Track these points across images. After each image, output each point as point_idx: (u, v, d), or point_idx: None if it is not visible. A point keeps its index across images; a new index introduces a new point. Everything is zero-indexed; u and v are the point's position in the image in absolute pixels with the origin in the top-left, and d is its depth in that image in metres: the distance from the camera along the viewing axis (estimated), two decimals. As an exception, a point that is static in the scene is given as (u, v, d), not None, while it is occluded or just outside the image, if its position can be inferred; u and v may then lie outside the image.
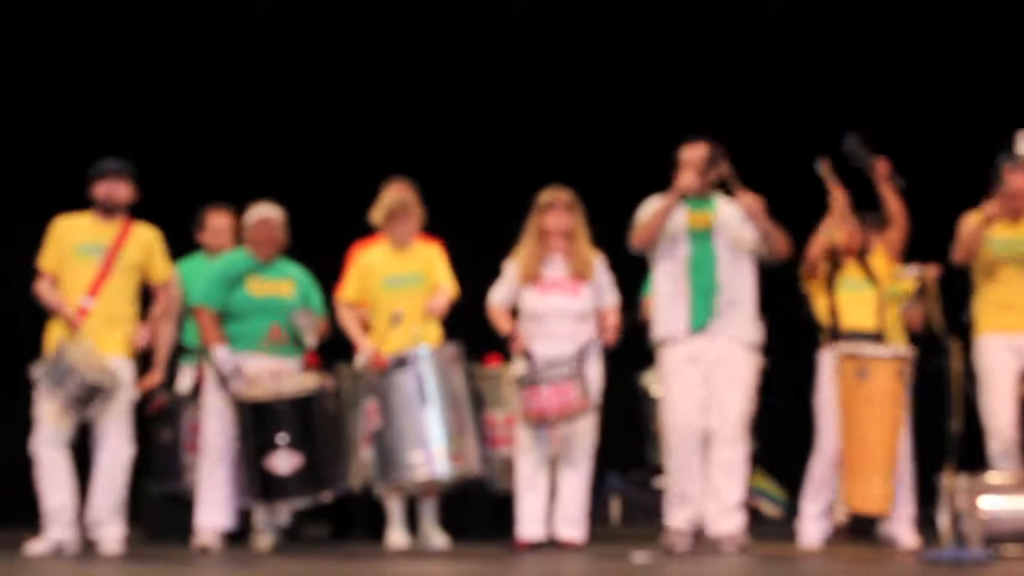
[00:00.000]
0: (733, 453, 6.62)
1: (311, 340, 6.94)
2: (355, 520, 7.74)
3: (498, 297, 6.94)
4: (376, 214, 7.11)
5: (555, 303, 6.83)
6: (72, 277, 6.78)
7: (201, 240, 7.72)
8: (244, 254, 7.08)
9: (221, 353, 6.87)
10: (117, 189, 6.84)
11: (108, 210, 6.85)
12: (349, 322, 7.05)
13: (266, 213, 7.04)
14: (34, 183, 8.54)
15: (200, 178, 8.83)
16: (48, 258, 6.83)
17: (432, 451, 6.62)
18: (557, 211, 6.86)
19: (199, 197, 7.82)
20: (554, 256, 6.89)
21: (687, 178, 6.65)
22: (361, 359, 6.91)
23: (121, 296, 6.82)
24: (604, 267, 6.96)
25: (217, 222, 7.61)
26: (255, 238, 7.04)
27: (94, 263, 6.78)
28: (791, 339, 7.49)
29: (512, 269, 6.93)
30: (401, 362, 6.72)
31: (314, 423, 6.74)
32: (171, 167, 8.94)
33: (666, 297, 6.76)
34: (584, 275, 6.85)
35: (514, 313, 6.94)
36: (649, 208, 6.76)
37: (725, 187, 6.73)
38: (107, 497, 6.71)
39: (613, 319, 6.87)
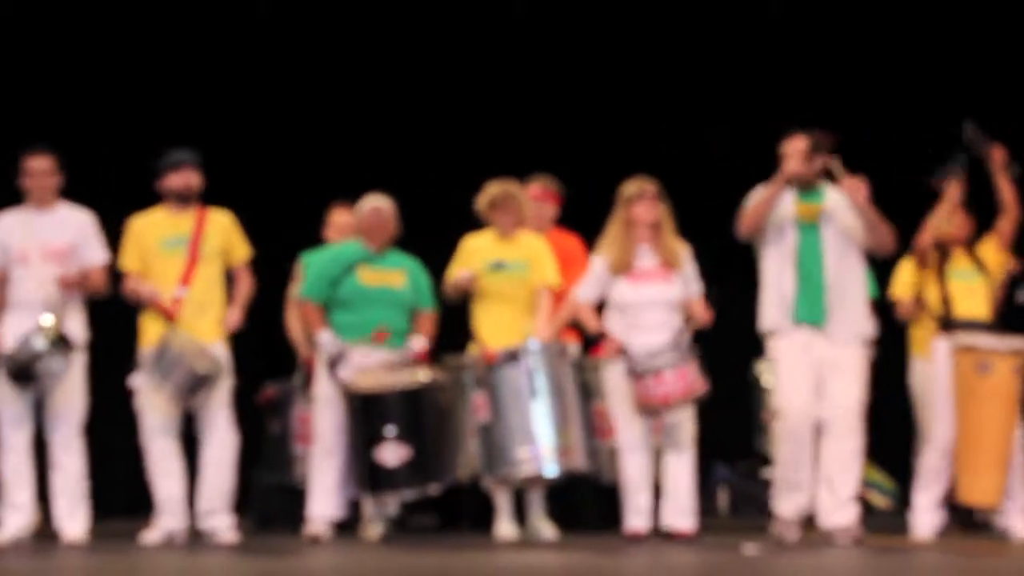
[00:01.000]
0: (847, 445, 6.55)
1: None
2: (463, 511, 7.76)
3: (584, 292, 6.91)
4: (480, 203, 7.14)
5: (648, 293, 6.81)
6: (160, 272, 6.84)
7: (327, 237, 7.75)
8: (356, 245, 7.12)
9: (325, 336, 6.89)
10: (191, 178, 6.90)
11: (183, 201, 6.91)
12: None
13: (377, 203, 7.07)
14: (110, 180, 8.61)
15: (326, 175, 8.89)
16: (129, 258, 6.91)
17: (539, 447, 6.63)
18: (645, 202, 6.85)
19: (326, 194, 7.86)
20: (642, 247, 6.87)
21: (792, 163, 6.62)
22: (473, 349, 6.93)
23: (210, 283, 6.88)
24: (690, 257, 6.93)
25: (341, 219, 7.60)
26: (366, 228, 7.07)
27: (180, 255, 6.84)
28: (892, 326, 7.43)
29: (599, 263, 6.90)
30: (511, 356, 6.73)
31: (424, 416, 6.74)
32: (299, 162, 9.04)
33: (774, 287, 6.71)
34: (674, 264, 6.83)
35: (598, 307, 6.93)
36: (756, 196, 6.72)
37: (830, 176, 6.68)
38: (217, 486, 6.78)
39: (699, 308, 6.84)
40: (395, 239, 7.11)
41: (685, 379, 6.56)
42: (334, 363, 6.82)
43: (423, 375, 6.82)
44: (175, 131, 7.62)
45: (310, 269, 7.32)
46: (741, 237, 6.77)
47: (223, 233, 6.94)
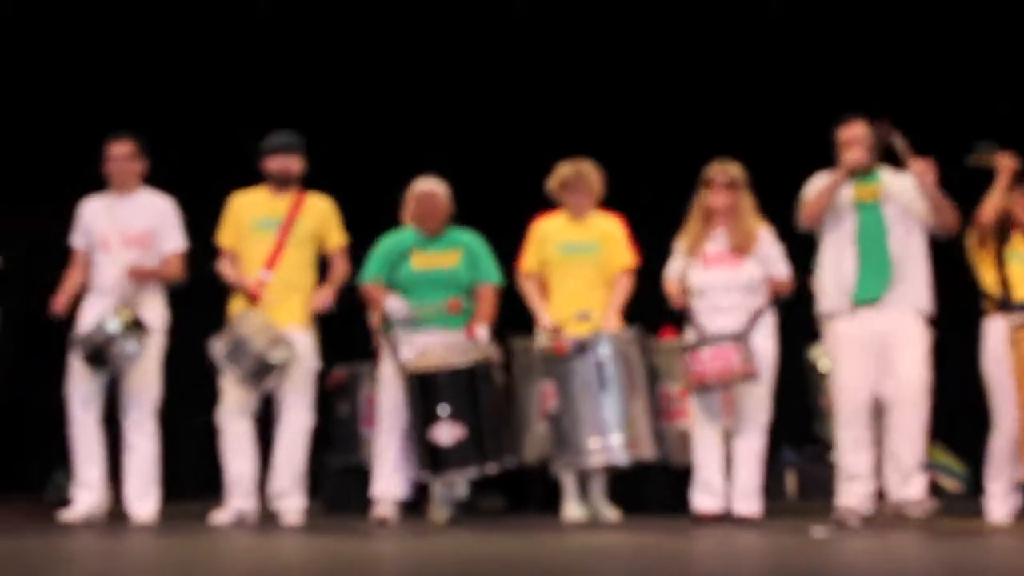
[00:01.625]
0: (912, 419, 6.52)
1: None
2: (530, 493, 7.78)
3: (670, 272, 6.94)
4: (551, 184, 7.13)
5: (717, 277, 6.80)
6: (250, 252, 6.90)
7: (406, 220, 7.75)
8: (410, 231, 7.13)
9: (392, 302, 6.90)
10: (290, 163, 6.94)
11: (281, 183, 6.95)
12: (529, 292, 7.09)
13: (426, 187, 7.07)
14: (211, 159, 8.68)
15: (402, 159, 8.91)
16: (226, 235, 6.97)
17: (609, 438, 6.64)
18: (717, 189, 6.83)
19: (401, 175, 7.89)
20: (717, 231, 6.86)
21: (855, 154, 6.62)
22: (542, 338, 6.93)
23: (298, 267, 6.92)
24: (772, 239, 6.90)
25: None
26: (418, 213, 7.08)
27: (270, 237, 6.89)
28: (959, 309, 7.36)
29: (681, 245, 6.91)
30: (581, 348, 6.73)
31: (478, 395, 6.74)
32: (377, 145, 9.07)
33: (834, 270, 6.69)
34: (745, 248, 6.81)
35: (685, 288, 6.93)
36: (815, 186, 6.72)
37: (896, 159, 6.64)
38: (288, 468, 6.83)
39: (783, 289, 6.81)
40: (450, 219, 7.11)
41: (724, 361, 6.54)
42: (403, 326, 6.80)
43: (475, 353, 6.81)
44: (278, 114, 7.66)
45: (369, 258, 7.33)
46: (803, 227, 6.76)
47: (318, 218, 6.97)
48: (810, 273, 6.89)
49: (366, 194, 7.95)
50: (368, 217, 7.45)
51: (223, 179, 7.29)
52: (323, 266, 7.09)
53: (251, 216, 6.94)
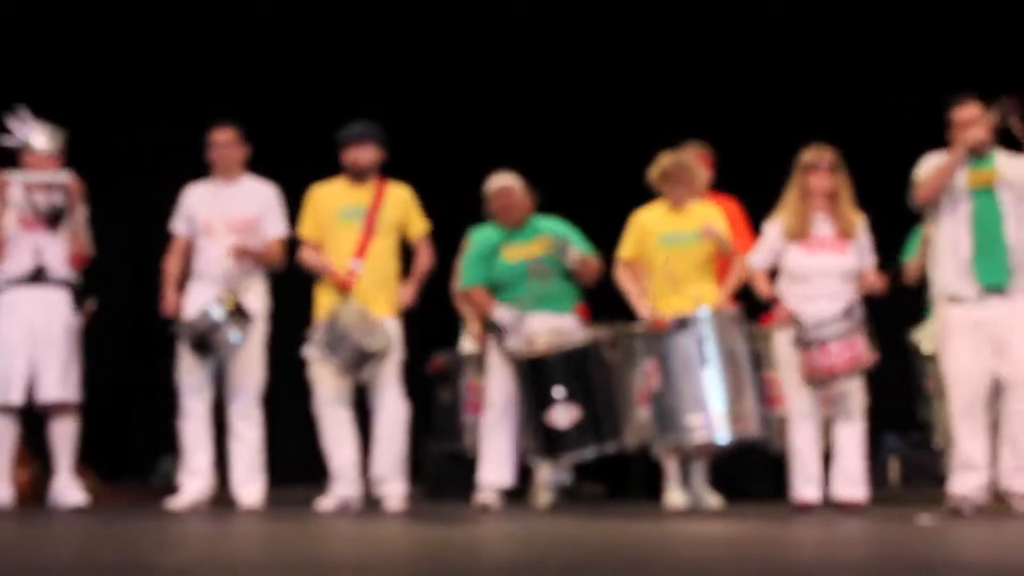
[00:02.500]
0: None
1: (571, 261, 6.91)
2: (632, 479, 7.78)
3: (758, 259, 6.86)
4: (652, 174, 7.11)
5: (822, 262, 6.73)
6: (336, 242, 6.93)
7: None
8: (492, 228, 7.14)
9: (499, 312, 6.94)
10: (362, 153, 6.96)
11: (358, 174, 6.99)
12: (627, 281, 7.08)
13: (502, 182, 7.07)
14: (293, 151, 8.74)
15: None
16: (307, 226, 7.01)
17: (711, 414, 6.60)
18: (821, 172, 6.77)
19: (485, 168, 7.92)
20: (817, 215, 6.80)
21: (976, 132, 6.48)
22: (642, 320, 6.92)
23: (385, 256, 6.95)
24: (865, 227, 6.83)
25: None
26: (497, 208, 7.09)
27: (356, 227, 6.91)
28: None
29: (774, 230, 6.84)
30: (682, 323, 6.71)
31: (591, 375, 6.73)
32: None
33: (948, 256, 6.59)
34: (849, 234, 6.74)
35: (771, 274, 6.87)
36: (929, 165, 6.61)
37: (1015, 141, 6.55)
38: (388, 454, 6.86)
39: (873, 279, 6.74)
40: (531, 211, 7.10)
41: (852, 350, 6.49)
42: (509, 332, 6.84)
43: (584, 333, 6.80)
44: (360, 103, 7.70)
45: (464, 263, 7.33)
46: (916, 207, 6.68)
47: (400, 206, 7.00)
48: (899, 262, 6.81)
49: (445, 184, 7.97)
50: (448, 206, 7.52)
51: (298, 171, 7.37)
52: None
53: (334, 207, 6.97)
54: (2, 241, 7.02)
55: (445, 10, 9.37)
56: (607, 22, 9.43)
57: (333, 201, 6.97)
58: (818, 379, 6.56)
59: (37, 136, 7.11)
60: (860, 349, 6.50)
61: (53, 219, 7.05)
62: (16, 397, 6.93)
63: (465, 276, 7.13)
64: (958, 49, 9.17)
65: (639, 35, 9.45)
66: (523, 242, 7.05)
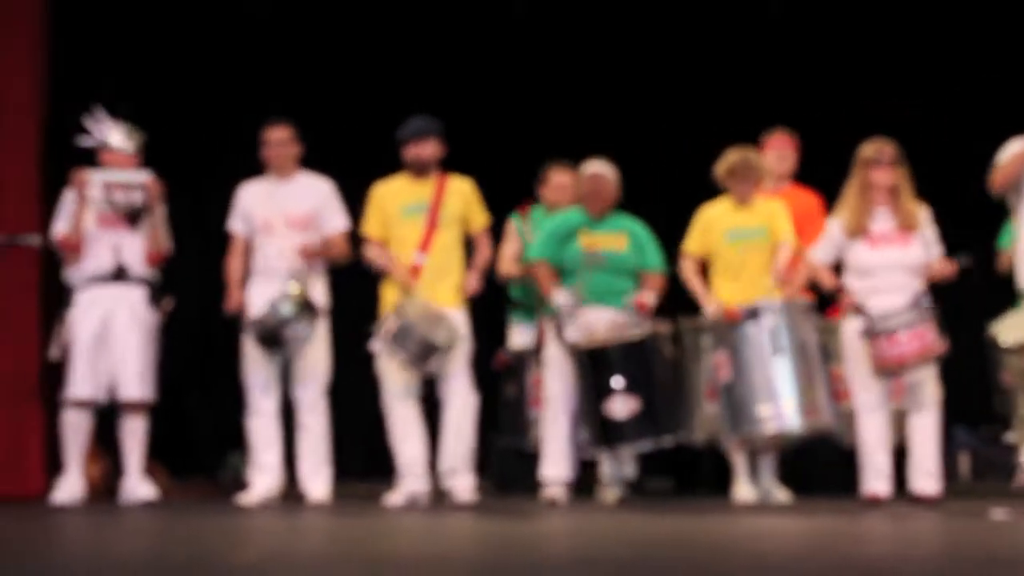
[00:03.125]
0: None
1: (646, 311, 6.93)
2: (699, 474, 7.75)
3: (819, 254, 6.84)
4: (718, 170, 7.09)
5: (886, 256, 6.69)
6: (400, 238, 6.95)
7: (541, 195, 7.81)
8: (577, 212, 7.14)
9: (560, 296, 6.92)
10: (424, 149, 6.98)
11: (420, 169, 7.00)
12: (692, 275, 7.07)
13: (596, 170, 7.08)
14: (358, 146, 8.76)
15: (540, 135, 8.93)
16: (372, 224, 7.03)
17: (782, 404, 6.58)
18: (882, 167, 6.72)
19: (541, 154, 7.91)
20: (879, 210, 6.75)
21: None
22: (710, 312, 6.90)
23: (449, 249, 6.96)
24: (929, 219, 6.77)
25: (558, 179, 7.68)
26: (586, 194, 7.08)
27: (419, 221, 6.94)
28: None
29: (835, 225, 6.81)
30: (753, 314, 6.68)
31: (650, 367, 6.72)
32: (515, 123, 9.09)
33: None
34: (911, 226, 6.69)
35: (836, 269, 6.84)
36: (1010, 150, 6.55)
37: None
38: (457, 446, 6.87)
39: (940, 267, 6.68)
40: (616, 203, 7.10)
41: (921, 340, 6.44)
42: (568, 318, 6.83)
43: (644, 326, 6.79)
44: (415, 98, 7.71)
45: (537, 235, 7.34)
46: (995, 192, 6.63)
47: (462, 200, 7.02)
48: (965, 254, 6.74)
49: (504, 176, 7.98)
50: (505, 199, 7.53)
51: (359, 166, 7.40)
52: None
53: (397, 203, 6.99)
54: (82, 239, 7.09)
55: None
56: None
57: (396, 198, 6.99)
58: (888, 369, 6.52)
59: (115, 135, 7.18)
60: (930, 338, 6.45)
61: (132, 217, 7.12)
62: (91, 393, 7.00)
63: (535, 249, 7.14)
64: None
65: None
66: (603, 233, 7.05)
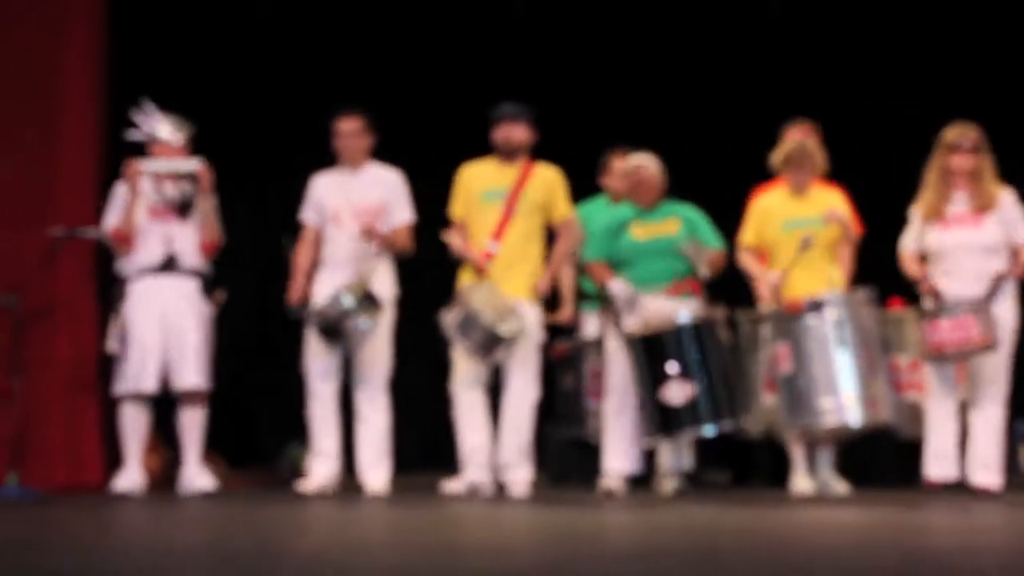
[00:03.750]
0: None
1: (704, 270, 6.87)
2: (756, 466, 7.72)
3: (907, 243, 6.84)
4: (775, 159, 7.06)
5: (957, 238, 6.68)
6: (478, 223, 6.96)
7: (604, 184, 7.79)
8: (626, 205, 7.11)
9: (615, 285, 6.89)
10: (514, 132, 6.98)
11: (508, 154, 6.99)
12: (752, 265, 7.03)
13: (640, 162, 7.05)
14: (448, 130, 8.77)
15: (604, 122, 8.91)
16: (457, 206, 7.04)
17: (843, 397, 6.54)
18: (963, 152, 6.69)
19: (602, 141, 7.89)
20: (957, 194, 6.72)
21: None
22: (770, 303, 6.87)
23: (524, 238, 6.95)
24: (1014, 201, 6.72)
25: (620, 165, 7.63)
26: (632, 187, 7.05)
27: (497, 207, 6.94)
28: None
29: (917, 212, 6.78)
30: (815, 306, 6.65)
31: (706, 352, 6.67)
32: (576, 112, 9.07)
33: None
34: (987, 208, 6.66)
35: (923, 257, 6.82)
36: None
37: None
38: (514, 440, 6.87)
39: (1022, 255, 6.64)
40: (664, 193, 7.07)
41: (965, 331, 6.40)
42: (623, 308, 6.80)
43: (700, 313, 6.76)
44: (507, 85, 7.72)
45: (589, 234, 7.33)
46: None
47: (545, 188, 7.00)
48: None
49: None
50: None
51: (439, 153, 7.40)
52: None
53: (479, 187, 7.00)
54: (133, 231, 7.13)
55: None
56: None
57: (479, 181, 7.00)
58: (931, 354, 6.50)
59: (163, 128, 7.21)
60: (975, 331, 6.40)
61: (183, 208, 7.16)
62: (149, 386, 7.04)
63: (590, 249, 7.12)
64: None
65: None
66: (655, 221, 7.01)
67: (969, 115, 6.87)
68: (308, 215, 7.19)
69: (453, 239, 6.95)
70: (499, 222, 6.91)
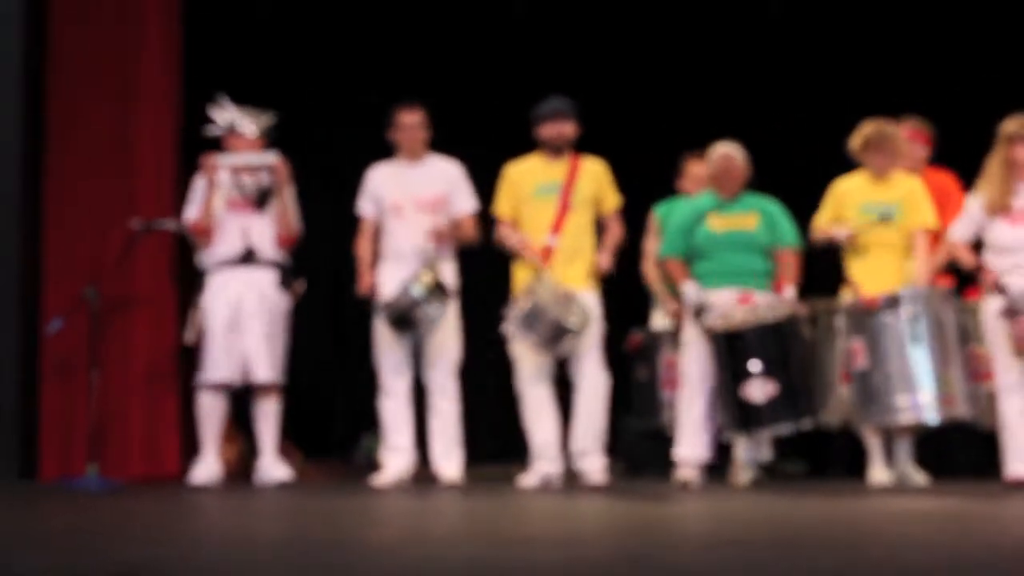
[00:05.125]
0: None
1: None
2: (832, 457, 7.66)
3: (959, 232, 6.75)
4: (853, 144, 7.00)
5: None
6: (533, 219, 6.96)
7: (680, 188, 7.75)
8: (708, 195, 7.08)
9: (689, 288, 6.88)
10: (565, 128, 6.97)
11: (556, 149, 6.98)
12: (822, 233, 6.97)
13: (725, 151, 7.01)
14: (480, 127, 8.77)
15: (679, 126, 8.88)
16: (503, 204, 7.04)
17: (920, 395, 6.50)
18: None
19: (680, 145, 7.85)
20: (1021, 186, 6.61)
21: None
22: (849, 295, 6.82)
23: (581, 231, 6.95)
24: None
25: (697, 170, 7.59)
26: (715, 176, 7.02)
27: (552, 202, 6.93)
28: None
29: (975, 203, 6.68)
30: (893, 301, 6.59)
31: (788, 350, 6.64)
32: (653, 115, 9.06)
33: None
34: None
35: (977, 247, 6.71)
36: None
37: None
38: (589, 428, 6.86)
39: None
40: (747, 184, 7.03)
41: None
42: (699, 312, 6.80)
43: (782, 308, 6.73)
44: (549, 81, 7.70)
45: (667, 227, 7.31)
46: None
47: (595, 181, 7.00)
48: None
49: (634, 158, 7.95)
50: (638, 180, 7.51)
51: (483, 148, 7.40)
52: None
53: (530, 184, 6.99)
54: (212, 224, 7.19)
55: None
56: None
57: (529, 178, 6.99)
58: (1019, 350, 6.41)
59: (240, 120, 7.27)
60: None
61: (260, 200, 7.21)
62: (226, 377, 7.10)
63: (666, 245, 7.10)
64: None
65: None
66: (734, 213, 6.98)
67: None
68: (365, 207, 7.21)
69: (511, 236, 6.95)
70: (557, 216, 6.91)
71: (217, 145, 7.30)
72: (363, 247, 7.18)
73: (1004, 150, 6.63)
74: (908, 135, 7.27)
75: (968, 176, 6.92)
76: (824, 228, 7.01)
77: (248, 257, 7.18)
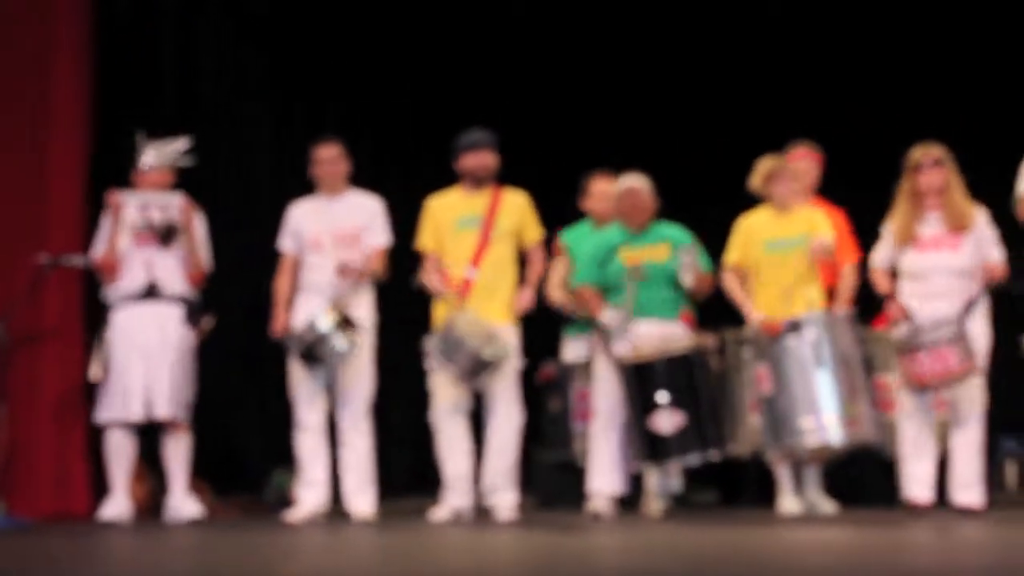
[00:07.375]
0: None
1: (688, 279, 6.87)
2: (743, 486, 7.72)
3: (878, 258, 6.85)
4: (754, 181, 7.07)
5: (934, 260, 6.69)
6: (454, 251, 6.96)
7: (585, 207, 7.79)
8: (616, 229, 7.12)
9: (607, 313, 6.89)
10: (486, 159, 6.99)
11: (477, 181, 7.00)
12: (734, 287, 7.04)
13: (630, 184, 7.06)
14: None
15: (579, 146, 8.94)
16: (426, 238, 7.04)
17: (824, 417, 6.57)
18: (927, 170, 6.71)
19: (580, 165, 7.90)
20: (930, 214, 6.74)
21: None
22: (752, 325, 6.89)
23: (501, 264, 6.96)
24: (986, 221, 6.75)
25: (600, 187, 7.65)
26: (622, 209, 7.07)
27: (473, 235, 6.94)
28: None
29: (890, 230, 6.79)
30: (794, 326, 6.67)
31: (696, 381, 6.71)
32: (552, 137, 9.10)
33: None
34: (961, 227, 6.68)
35: (894, 274, 6.83)
36: None
37: None
38: (500, 464, 6.86)
39: (996, 274, 6.64)
40: (654, 215, 7.08)
41: (943, 363, 6.42)
42: (615, 336, 6.80)
43: (689, 339, 6.79)
44: (465, 111, 7.72)
45: (577, 257, 7.34)
46: (1022, 222, 6.63)
47: (517, 213, 7.01)
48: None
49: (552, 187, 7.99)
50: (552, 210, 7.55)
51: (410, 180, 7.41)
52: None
53: (451, 217, 7.00)
54: (117, 259, 7.14)
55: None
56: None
57: (450, 211, 7.00)
58: (913, 387, 6.52)
59: (148, 154, 7.22)
60: (952, 361, 6.42)
61: (166, 236, 7.16)
62: (132, 413, 7.03)
63: (579, 274, 7.14)
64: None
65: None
66: (644, 246, 7.03)
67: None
68: (286, 243, 7.20)
69: (430, 279, 6.94)
70: (476, 249, 6.92)
71: (127, 180, 7.24)
72: (282, 284, 7.16)
73: (910, 179, 6.76)
74: (801, 155, 7.36)
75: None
76: (738, 300, 7.05)
77: (151, 292, 7.13)
